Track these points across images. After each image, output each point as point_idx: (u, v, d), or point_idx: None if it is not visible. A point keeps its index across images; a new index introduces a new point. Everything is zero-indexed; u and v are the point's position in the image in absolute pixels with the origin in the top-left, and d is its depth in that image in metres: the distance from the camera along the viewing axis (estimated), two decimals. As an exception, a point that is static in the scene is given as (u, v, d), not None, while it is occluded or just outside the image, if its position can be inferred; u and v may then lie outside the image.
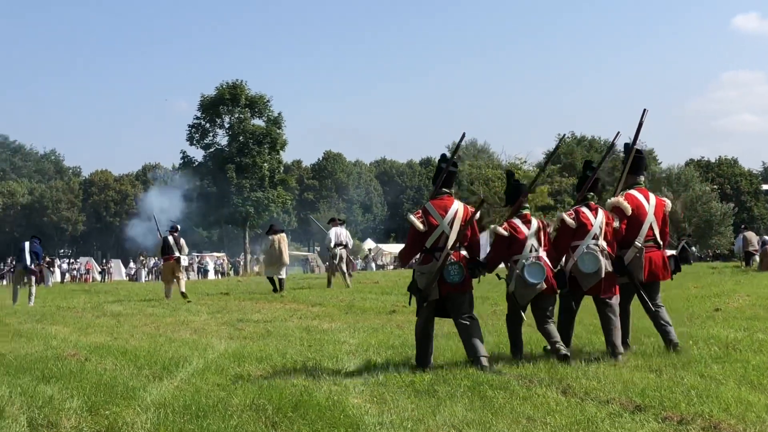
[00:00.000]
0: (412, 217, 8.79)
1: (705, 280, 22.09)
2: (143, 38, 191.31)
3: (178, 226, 24.16)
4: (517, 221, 9.11)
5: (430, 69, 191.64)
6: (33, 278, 23.15)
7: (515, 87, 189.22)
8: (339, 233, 25.07)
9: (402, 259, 9.46)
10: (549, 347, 8.91)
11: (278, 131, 66.27)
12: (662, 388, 7.04)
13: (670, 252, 9.94)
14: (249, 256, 67.66)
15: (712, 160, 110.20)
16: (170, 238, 22.77)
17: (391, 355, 9.52)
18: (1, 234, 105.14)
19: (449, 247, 8.61)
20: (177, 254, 22.50)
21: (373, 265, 66.57)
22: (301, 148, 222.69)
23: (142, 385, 7.93)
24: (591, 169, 9.70)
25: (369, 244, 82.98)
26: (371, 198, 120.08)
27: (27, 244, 23.27)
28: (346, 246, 25.02)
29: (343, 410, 6.65)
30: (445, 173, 9.03)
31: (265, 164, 65.79)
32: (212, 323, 15.05)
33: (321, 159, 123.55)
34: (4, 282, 50.24)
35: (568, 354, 8.64)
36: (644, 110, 9.59)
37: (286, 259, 23.49)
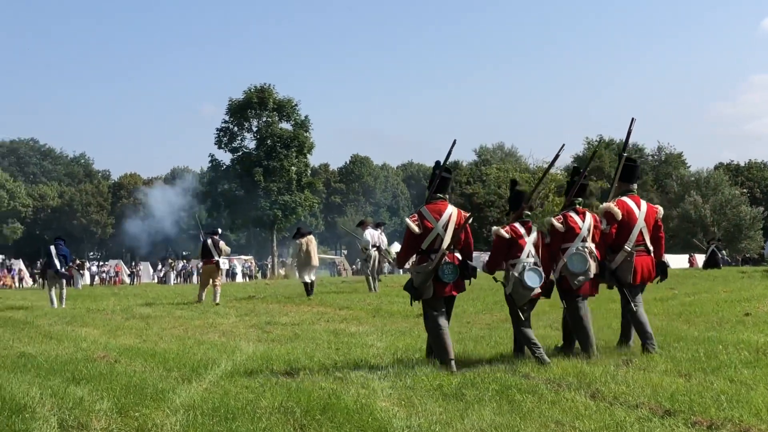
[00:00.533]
0: (408, 221, 9.29)
1: (734, 285, 21.94)
2: (171, 42, 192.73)
3: (219, 230, 24.06)
4: (518, 226, 9.52)
5: (457, 71, 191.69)
6: (63, 281, 23.25)
7: (542, 90, 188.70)
8: (373, 234, 24.84)
9: (399, 261, 10.04)
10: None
11: (305, 135, 66.33)
12: (692, 393, 7.00)
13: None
14: (276, 259, 67.84)
15: (742, 164, 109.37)
16: (210, 241, 22.56)
17: (419, 359, 9.49)
18: (32, 237, 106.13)
19: (444, 249, 9.06)
20: (217, 258, 22.32)
21: (400, 269, 66.48)
22: (328, 151, 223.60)
23: (171, 388, 7.96)
24: (578, 174, 10.24)
25: (396, 247, 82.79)
26: (398, 201, 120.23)
27: (53, 249, 23.25)
28: (379, 248, 24.84)
29: (371, 413, 6.65)
30: (438, 179, 9.45)
31: (293, 168, 65.86)
32: (240, 326, 15.12)
33: (348, 162, 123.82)
34: (35, 285, 50.68)
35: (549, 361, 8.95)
36: (632, 119, 10.17)
37: (315, 261, 23.24)
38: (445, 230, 9.13)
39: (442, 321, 9.16)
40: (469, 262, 9.35)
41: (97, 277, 65.82)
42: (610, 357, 9.17)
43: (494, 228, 9.67)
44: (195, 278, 61.07)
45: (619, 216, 9.62)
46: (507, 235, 9.41)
